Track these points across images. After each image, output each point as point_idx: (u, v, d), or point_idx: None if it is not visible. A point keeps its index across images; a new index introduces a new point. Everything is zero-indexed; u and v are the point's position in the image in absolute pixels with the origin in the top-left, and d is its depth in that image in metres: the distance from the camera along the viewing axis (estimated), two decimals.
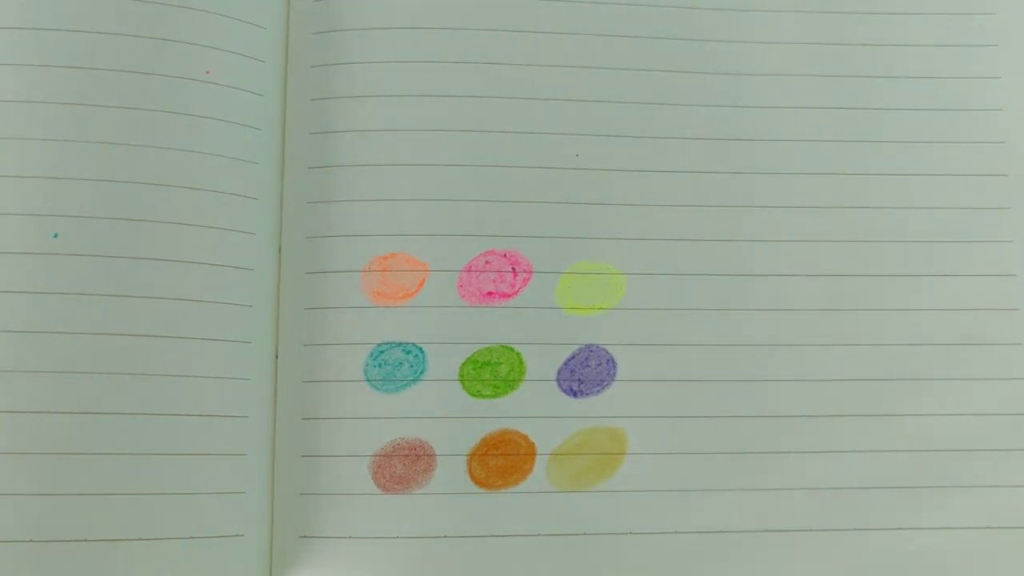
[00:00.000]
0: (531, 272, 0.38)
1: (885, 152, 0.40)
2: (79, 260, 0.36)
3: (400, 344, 0.37)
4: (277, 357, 0.37)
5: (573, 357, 0.38)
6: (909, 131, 0.41)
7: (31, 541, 0.34)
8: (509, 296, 0.38)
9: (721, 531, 0.37)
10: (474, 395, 0.37)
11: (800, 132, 0.40)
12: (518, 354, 0.38)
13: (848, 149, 0.40)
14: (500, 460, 0.37)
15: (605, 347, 0.38)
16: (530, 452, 0.37)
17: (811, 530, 0.37)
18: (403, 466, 0.37)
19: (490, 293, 0.38)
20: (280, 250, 0.38)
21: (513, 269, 0.38)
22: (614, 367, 0.38)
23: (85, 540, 0.34)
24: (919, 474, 0.37)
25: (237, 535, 0.36)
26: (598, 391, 0.38)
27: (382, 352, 0.37)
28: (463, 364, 0.37)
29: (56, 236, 0.36)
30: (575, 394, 0.38)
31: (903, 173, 0.40)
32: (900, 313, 0.39)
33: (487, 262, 0.38)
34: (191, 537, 0.35)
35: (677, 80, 0.40)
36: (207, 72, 0.38)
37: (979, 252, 0.40)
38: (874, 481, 0.37)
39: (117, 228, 0.36)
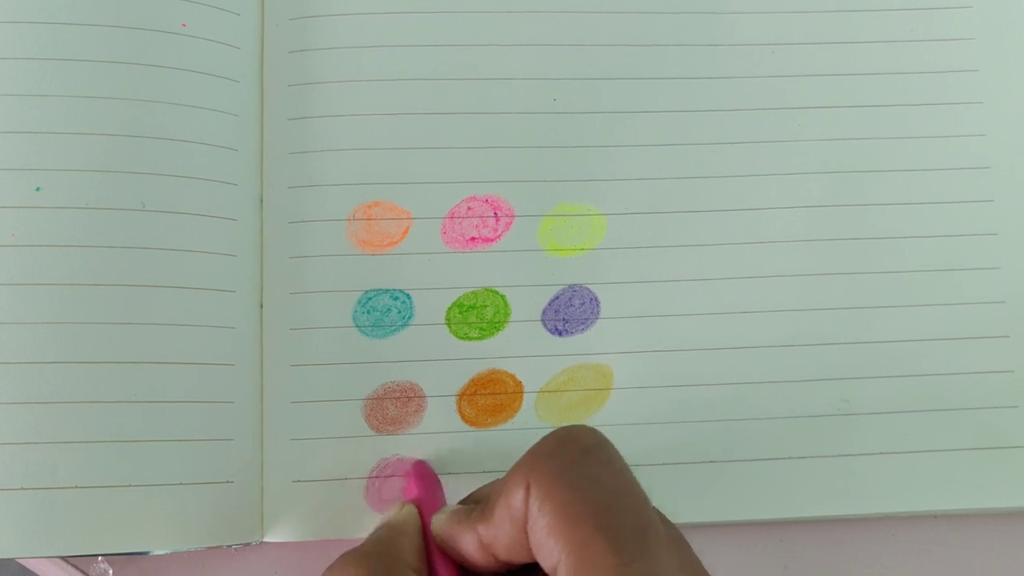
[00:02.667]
0: (513, 216, 0.39)
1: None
2: (62, 212, 0.35)
3: (388, 291, 0.38)
4: (262, 306, 0.38)
5: (557, 297, 0.38)
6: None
7: (23, 489, 0.33)
8: (492, 240, 0.39)
9: (709, 461, 0.37)
10: (461, 338, 0.38)
11: (780, 68, 0.40)
12: (503, 296, 0.38)
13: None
14: (489, 399, 0.37)
15: (588, 286, 0.38)
16: (518, 391, 0.38)
17: (796, 457, 0.38)
18: (395, 408, 0.37)
19: (473, 239, 0.38)
20: (262, 200, 0.38)
21: (495, 214, 0.39)
22: (597, 306, 0.38)
23: (76, 487, 0.34)
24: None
25: (227, 482, 0.36)
26: (583, 329, 0.38)
27: (370, 299, 0.38)
28: (449, 308, 0.38)
29: (38, 189, 0.35)
30: (560, 333, 0.38)
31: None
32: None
33: (469, 208, 0.39)
34: (180, 484, 0.35)
35: (651, 22, 0.41)
36: (183, 25, 0.38)
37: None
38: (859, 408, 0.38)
39: (98, 180, 0.36)
